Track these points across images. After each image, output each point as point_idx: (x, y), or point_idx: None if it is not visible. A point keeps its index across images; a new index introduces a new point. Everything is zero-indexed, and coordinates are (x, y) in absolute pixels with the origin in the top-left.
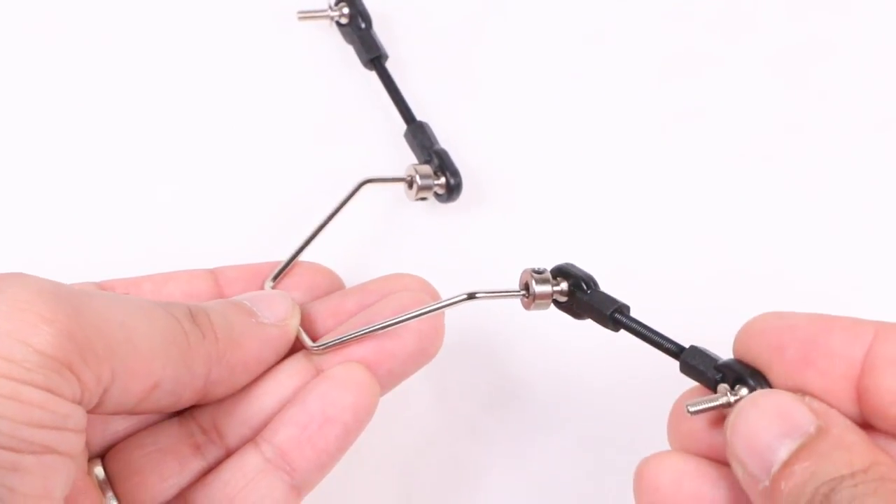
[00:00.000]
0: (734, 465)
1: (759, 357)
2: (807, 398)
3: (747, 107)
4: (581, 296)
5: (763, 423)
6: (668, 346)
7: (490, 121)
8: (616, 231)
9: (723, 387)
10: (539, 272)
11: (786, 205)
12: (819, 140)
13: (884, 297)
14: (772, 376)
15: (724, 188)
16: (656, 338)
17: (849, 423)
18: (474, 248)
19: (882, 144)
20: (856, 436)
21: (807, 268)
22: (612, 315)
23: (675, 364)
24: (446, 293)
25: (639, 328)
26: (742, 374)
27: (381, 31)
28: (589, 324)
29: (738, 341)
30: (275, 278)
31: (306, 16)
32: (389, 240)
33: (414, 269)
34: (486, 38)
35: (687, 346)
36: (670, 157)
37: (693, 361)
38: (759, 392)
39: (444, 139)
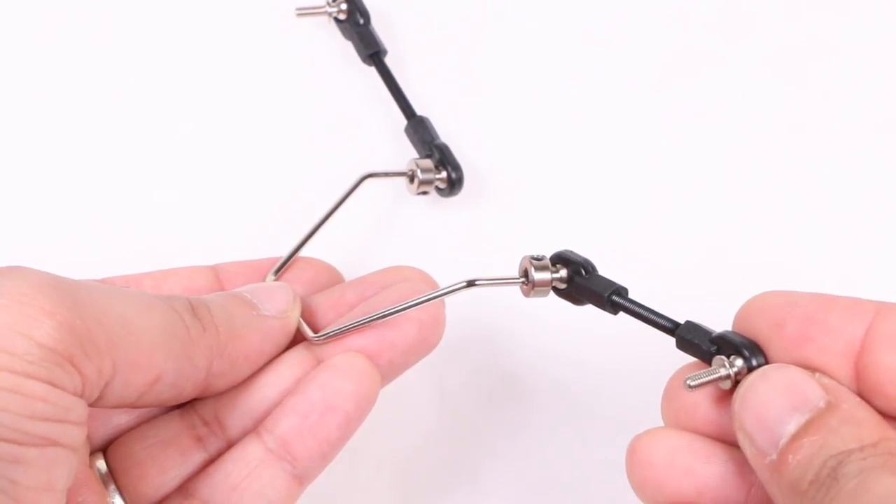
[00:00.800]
0: (741, 437)
1: (759, 333)
2: (817, 374)
3: (747, 106)
4: (580, 281)
5: (772, 396)
6: (664, 323)
7: (491, 116)
8: (616, 226)
9: (719, 358)
10: (538, 259)
11: (785, 200)
12: (818, 138)
13: (880, 290)
14: (771, 353)
15: (723, 187)
16: (653, 317)
17: (858, 399)
18: (476, 242)
19: (882, 143)
20: (865, 411)
21: (804, 262)
22: (610, 297)
23: (676, 351)
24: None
25: (636, 309)
26: (737, 345)
27: (379, 27)
28: (589, 313)
29: (738, 318)
30: (276, 272)
31: (305, 12)
32: (391, 233)
33: (416, 262)
34: (485, 35)
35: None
36: (669, 155)
37: (688, 336)
38: (770, 366)
39: (445, 134)
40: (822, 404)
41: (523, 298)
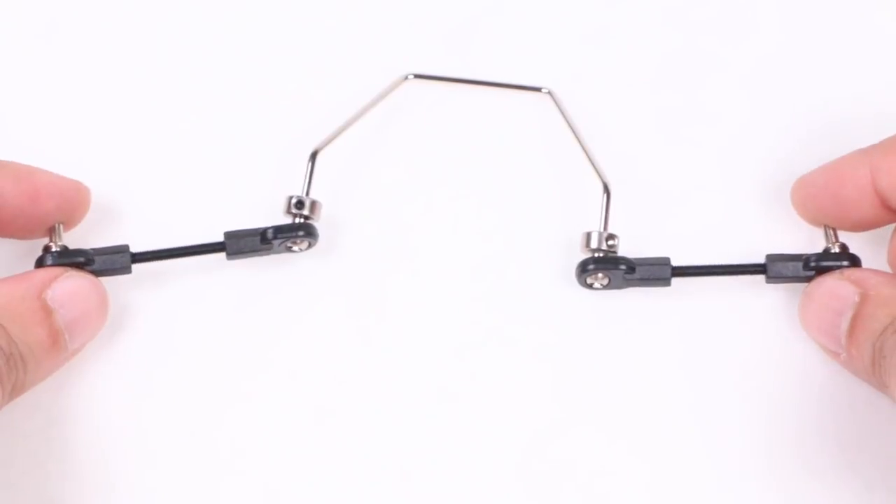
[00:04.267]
0: (818, 344)
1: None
2: (846, 272)
3: (747, 106)
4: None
5: (820, 308)
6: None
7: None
8: (617, 223)
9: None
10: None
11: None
12: (818, 138)
13: None
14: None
15: (723, 187)
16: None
17: (884, 279)
18: None
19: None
20: (890, 288)
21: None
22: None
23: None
24: None
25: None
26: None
27: None
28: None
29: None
30: None
31: None
32: None
33: None
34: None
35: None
36: (668, 155)
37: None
38: (812, 283)
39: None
40: (857, 298)
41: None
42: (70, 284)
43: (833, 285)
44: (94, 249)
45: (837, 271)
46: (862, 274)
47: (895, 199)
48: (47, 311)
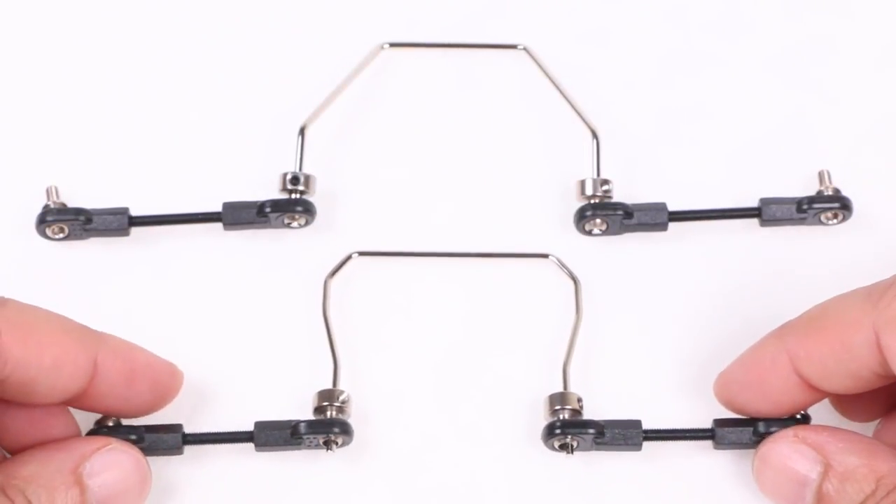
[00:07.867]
0: None
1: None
2: (800, 433)
3: (747, 106)
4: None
5: (780, 477)
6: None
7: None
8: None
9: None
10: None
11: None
12: (818, 138)
13: None
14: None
15: (723, 189)
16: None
17: (844, 444)
18: None
19: (881, 144)
20: (855, 457)
21: (801, 273)
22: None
23: None
24: None
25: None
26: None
27: None
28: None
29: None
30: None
31: None
32: None
33: None
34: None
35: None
36: (669, 155)
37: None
38: (763, 449)
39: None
40: (819, 470)
41: None
42: (110, 459)
43: (789, 452)
44: (93, 210)
45: (791, 431)
46: (819, 437)
47: (823, 382)
48: (81, 488)
